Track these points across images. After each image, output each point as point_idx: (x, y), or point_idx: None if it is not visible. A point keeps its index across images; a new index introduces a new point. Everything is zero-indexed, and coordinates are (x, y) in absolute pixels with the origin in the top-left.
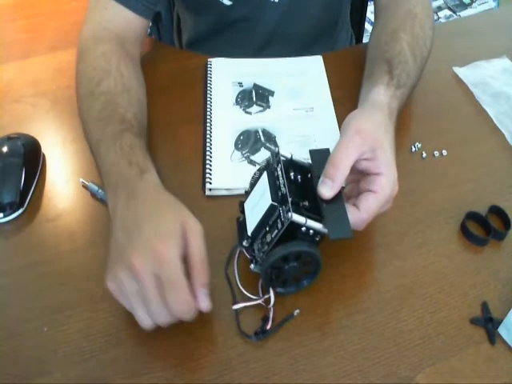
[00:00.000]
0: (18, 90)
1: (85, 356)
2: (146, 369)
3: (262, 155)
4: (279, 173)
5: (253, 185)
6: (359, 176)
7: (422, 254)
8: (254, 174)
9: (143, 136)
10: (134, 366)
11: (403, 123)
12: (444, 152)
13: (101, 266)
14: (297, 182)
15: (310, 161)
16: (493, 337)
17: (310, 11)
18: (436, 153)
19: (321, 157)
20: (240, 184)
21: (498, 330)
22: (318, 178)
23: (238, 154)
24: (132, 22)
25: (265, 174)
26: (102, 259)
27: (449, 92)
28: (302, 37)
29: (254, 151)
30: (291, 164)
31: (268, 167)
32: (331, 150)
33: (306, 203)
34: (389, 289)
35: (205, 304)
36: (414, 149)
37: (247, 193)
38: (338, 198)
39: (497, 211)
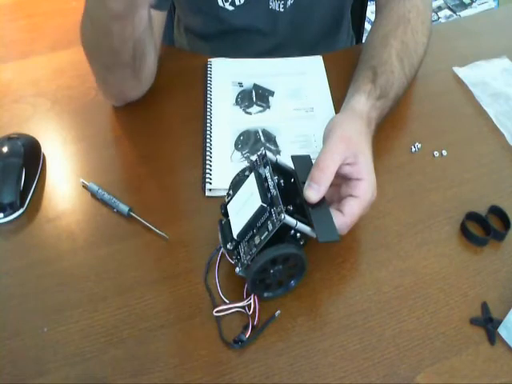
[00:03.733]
0: (18, 89)
1: (85, 356)
2: (146, 369)
3: None
4: (268, 175)
5: (234, 186)
6: (340, 180)
7: (422, 254)
8: (237, 175)
9: None
10: (134, 365)
11: (403, 123)
12: (444, 152)
13: (101, 266)
14: (280, 185)
15: (292, 166)
16: (492, 337)
17: (314, 17)
18: (436, 153)
19: (303, 163)
20: None
21: (498, 330)
22: (303, 183)
23: (238, 154)
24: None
25: (252, 176)
26: (102, 259)
27: (449, 92)
28: (306, 42)
29: (254, 151)
30: (276, 167)
31: (254, 169)
32: (317, 154)
33: (291, 207)
34: (389, 289)
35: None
36: (414, 149)
37: (229, 195)
38: (322, 202)
39: (497, 211)
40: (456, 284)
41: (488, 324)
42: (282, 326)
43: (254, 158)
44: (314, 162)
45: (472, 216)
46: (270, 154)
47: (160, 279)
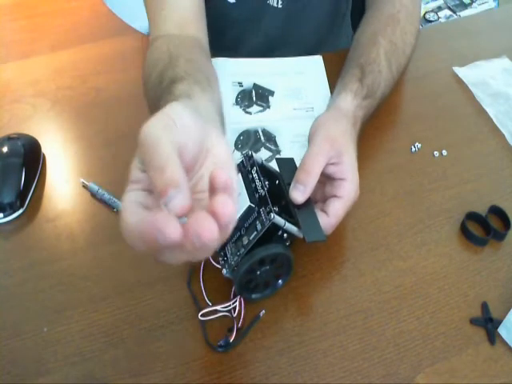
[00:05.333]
0: (18, 89)
1: (85, 356)
2: (146, 369)
3: (262, 155)
4: (255, 175)
5: None
6: (324, 178)
7: (422, 254)
8: None
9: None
10: (134, 365)
11: (403, 123)
12: (444, 152)
13: (101, 266)
14: (265, 187)
15: (277, 168)
16: (493, 337)
17: (312, 16)
18: (436, 153)
19: (287, 165)
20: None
21: (498, 330)
22: (289, 184)
23: (238, 154)
24: (190, 6)
25: (239, 177)
26: (102, 259)
27: (449, 92)
28: (305, 42)
29: (254, 151)
30: (261, 169)
31: (241, 170)
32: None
33: (276, 208)
34: (389, 289)
35: None
36: (414, 149)
37: None
38: (308, 203)
39: (497, 211)
40: (456, 284)
41: (488, 324)
42: (281, 326)
43: (240, 159)
44: (298, 164)
45: (472, 216)
46: (256, 156)
47: (160, 279)
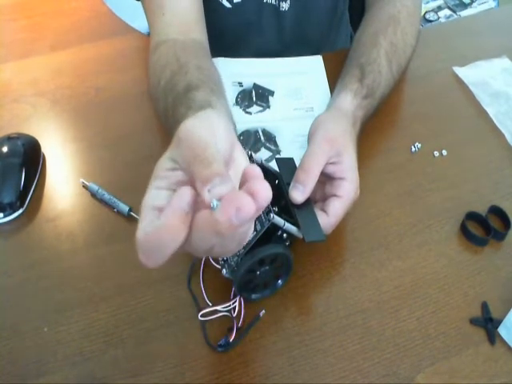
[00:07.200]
0: (18, 89)
1: (85, 356)
2: (146, 369)
3: (262, 155)
4: None
5: None
6: (323, 178)
7: (422, 254)
8: None
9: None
10: (133, 365)
11: (403, 123)
12: (444, 152)
13: (101, 266)
14: None
15: (277, 168)
16: (493, 337)
17: (314, 16)
18: (436, 153)
19: (287, 165)
20: None
21: (498, 329)
22: (288, 184)
23: None
24: (190, 8)
25: None
26: (102, 259)
27: (449, 92)
28: (307, 42)
29: (255, 151)
30: (261, 169)
31: None
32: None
33: (275, 209)
34: (389, 289)
35: None
36: (414, 149)
37: None
38: (307, 203)
39: (497, 211)
40: (456, 284)
41: (488, 324)
42: (281, 326)
43: None
44: (298, 164)
45: (472, 216)
46: (255, 156)
47: (160, 279)
